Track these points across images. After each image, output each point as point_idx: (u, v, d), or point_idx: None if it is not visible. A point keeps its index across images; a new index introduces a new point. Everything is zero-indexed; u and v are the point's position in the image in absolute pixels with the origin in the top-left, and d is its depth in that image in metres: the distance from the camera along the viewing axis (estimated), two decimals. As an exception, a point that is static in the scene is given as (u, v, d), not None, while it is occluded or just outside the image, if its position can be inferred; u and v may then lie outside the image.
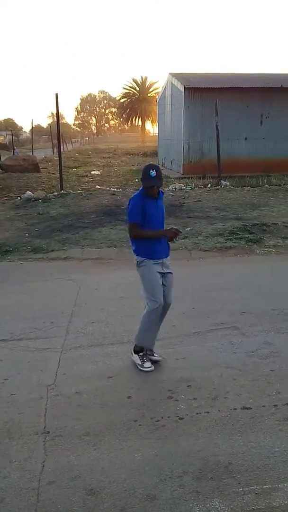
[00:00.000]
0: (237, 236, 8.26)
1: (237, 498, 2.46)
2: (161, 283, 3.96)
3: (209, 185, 14.51)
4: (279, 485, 2.55)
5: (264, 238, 8.15)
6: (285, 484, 2.56)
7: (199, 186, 14.55)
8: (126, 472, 2.70)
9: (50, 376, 3.82)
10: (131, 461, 2.79)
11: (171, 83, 20.50)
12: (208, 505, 2.43)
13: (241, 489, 2.53)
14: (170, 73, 20.90)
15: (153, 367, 3.89)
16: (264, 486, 2.54)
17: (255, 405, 3.33)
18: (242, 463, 2.74)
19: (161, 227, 4.02)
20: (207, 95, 17.18)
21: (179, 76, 19.74)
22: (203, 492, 2.52)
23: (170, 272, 4.07)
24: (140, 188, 3.89)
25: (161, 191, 4.04)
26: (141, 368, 3.88)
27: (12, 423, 3.20)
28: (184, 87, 17.96)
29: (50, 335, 4.59)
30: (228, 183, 14.58)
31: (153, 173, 3.73)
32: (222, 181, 14.69)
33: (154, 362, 3.96)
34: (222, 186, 14.22)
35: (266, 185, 14.51)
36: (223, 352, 4.15)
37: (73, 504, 2.48)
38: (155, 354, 4.04)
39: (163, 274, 4.00)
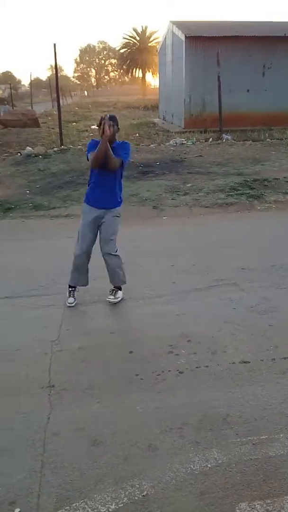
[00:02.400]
0: (238, 192, 8.19)
1: (235, 448, 2.56)
2: (95, 233, 4.30)
3: (211, 139, 14.24)
4: (276, 436, 2.65)
5: (265, 194, 8.09)
6: (281, 435, 2.65)
7: (200, 140, 14.28)
8: (128, 424, 2.80)
9: (54, 332, 3.90)
10: (133, 414, 2.89)
11: (172, 31, 19.68)
12: (207, 455, 2.53)
13: (239, 440, 2.63)
14: (170, 21, 20.02)
15: (73, 303, 4.37)
16: (261, 437, 2.64)
17: (253, 359, 3.41)
18: (240, 414, 2.83)
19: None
20: (209, 44, 16.52)
21: (180, 24, 18.92)
22: (202, 443, 2.62)
23: (105, 222, 4.28)
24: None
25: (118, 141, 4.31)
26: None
27: (17, 377, 3.29)
28: (185, 36, 17.25)
29: (52, 292, 4.64)
30: (229, 137, 14.30)
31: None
32: (223, 135, 14.41)
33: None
34: (224, 141, 13.96)
35: (268, 139, 14.23)
36: (222, 308, 4.21)
37: (78, 454, 2.59)
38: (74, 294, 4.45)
39: (100, 224, 4.28)
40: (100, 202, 4.23)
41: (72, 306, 4.36)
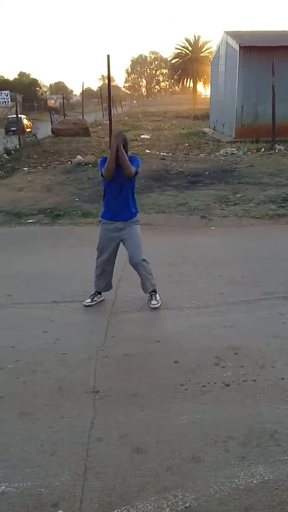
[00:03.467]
0: (290, 203, 8.00)
1: (282, 466, 2.48)
2: (115, 247, 4.45)
3: (262, 149, 14.01)
4: None
5: None
6: None
7: (252, 150, 14.09)
8: (172, 434, 2.77)
9: (100, 338, 3.93)
10: (177, 424, 2.86)
11: (226, 42, 19.62)
12: (252, 470, 2.46)
13: (287, 457, 2.54)
14: (225, 31, 19.99)
15: (90, 305, 4.54)
16: (310, 456, 2.54)
17: (303, 376, 3.29)
18: (288, 432, 2.74)
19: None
20: (264, 54, 16.32)
21: (235, 35, 18.84)
22: (248, 458, 2.55)
23: (127, 234, 4.39)
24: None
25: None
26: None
27: (63, 381, 3.34)
28: (240, 46, 17.16)
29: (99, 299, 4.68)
30: (282, 147, 14.02)
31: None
32: (276, 146, 14.14)
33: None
34: (276, 151, 13.70)
35: None
36: (272, 322, 4.10)
37: (121, 461, 2.58)
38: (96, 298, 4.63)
39: (122, 238, 4.40)
40: (117, 215, 4.36)
41: (87, 307, 4.53)
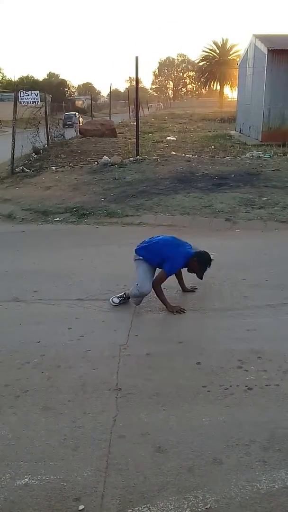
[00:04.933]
0: None
1: (304, 472, 2.46)
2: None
3: (289, 153, 13.86)
4: None
5: None
6: None
7: (279, 154, 13.94)
8: (194, 435, 2.78)
9: (123, 337, 3.96)
10: (199, 425, 2.86)
11: (254, 45, 19.48)
12: (274, 475, 2.45)
13: (310, 463, 2.52)
14: (253, 35, 19.84)
15: (117, 304, 4.59)
16: None
17: None
18: (311, 438, 2.71)
19: None
20: (293, 58, 16.21)
21: (263, 38, 18.69)
22: (269, 462, 2.54)
23: None
24: (190, 254, 4.43)
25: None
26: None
27: (86, 378, 3.38)
28: (268, 49, 17.02)
29: (123, 298, 4.72)
30: (309, 152, 13.84)
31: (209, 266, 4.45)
32: (303, 150, 13.98)
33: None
34: (303, 155, 13.53)
35: None
36: (296, 327, 4.06)
37: (142, 459, 2.60)
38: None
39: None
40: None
41: (114, 306, 4.58)
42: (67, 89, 69.35)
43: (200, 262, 4.42)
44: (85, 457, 2.63)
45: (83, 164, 13.28)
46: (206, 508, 2.27)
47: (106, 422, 2.91)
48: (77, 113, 37.37)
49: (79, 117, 35.14)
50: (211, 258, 4.50)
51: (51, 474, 2.52)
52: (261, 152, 14.11)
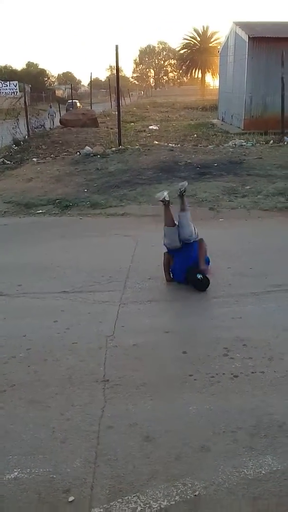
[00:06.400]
0: (299, 195, 7.96)
1: (290, 456, 2.51)
2: None
3: (271, 141, 13.92)
4: None
5: None
6: None
7: (261, 142, 14.00)
8: (181, 423, 2.81)
9: (109, 328, 3.97)
10: (186, 413, 2.89)
11: (235, 32, 19.45)
12: (261, 461, 2.49)
13: (295, 448, 2.57)
14: (234, 22, 19.80)
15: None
16: None
17: (311, 368, 3.31)
18: (296, 423, 2.76)
19: None
20: (273, 46, 16.23)
21: (244, 25, 18.67)
22: (256, 448, 2.58)
23: None
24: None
25: None
26: None
27: (73, 370, 3.38)
28: (249, 37, 17.02)
29: (108, 289, 4.72)
30: (291, 139, 13.92)
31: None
32: (285, 138, 14.04)
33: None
34: (285, 143, 13.61)
35: None
36: (280, 314, 4.11)
37: (131, 448, 2.62)
38: None
39: None
40: None
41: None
42: (46, 78, 68.27)
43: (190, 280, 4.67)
44: (74, 449, 2.64)
45: (65, 155, 13.17)
46: (195, 495, 2.31)
47: (94, 413, 2.92)
48: (77, 101, 40.03)
49: (79, 103, 38.27)
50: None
51: (40, 467, 2.52)
52: (243, 141, 14.16)
